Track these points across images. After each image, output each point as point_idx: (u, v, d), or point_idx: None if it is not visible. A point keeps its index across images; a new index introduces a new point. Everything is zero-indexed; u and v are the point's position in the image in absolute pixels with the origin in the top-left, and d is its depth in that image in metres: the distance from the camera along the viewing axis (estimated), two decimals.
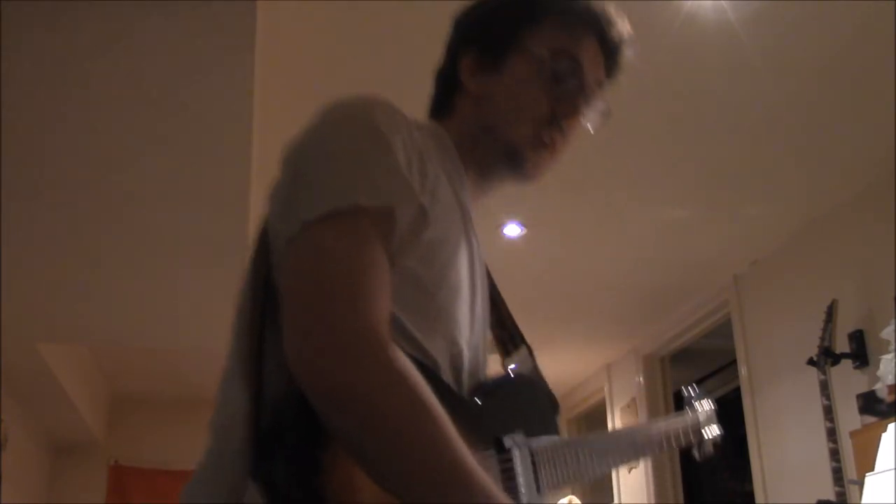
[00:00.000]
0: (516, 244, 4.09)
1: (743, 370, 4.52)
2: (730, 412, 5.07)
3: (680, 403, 1.56)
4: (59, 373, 5.19)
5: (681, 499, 5.51)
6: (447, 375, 0.96)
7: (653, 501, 5.49)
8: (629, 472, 5.96)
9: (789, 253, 4.13)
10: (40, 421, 6.05)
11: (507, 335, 1.20)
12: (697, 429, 1.49)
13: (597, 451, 1.18)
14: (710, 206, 3.83)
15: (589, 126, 1.15)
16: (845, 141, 3.26)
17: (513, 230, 3.98)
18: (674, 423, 1.44)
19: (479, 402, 0.99)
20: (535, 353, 1.20)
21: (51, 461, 6.45)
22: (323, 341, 0.78)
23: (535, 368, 1.18)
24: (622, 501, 6.04)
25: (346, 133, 0.93)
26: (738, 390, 4.66)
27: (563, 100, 1.10)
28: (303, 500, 0.77)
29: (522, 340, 1.21)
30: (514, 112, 1.09)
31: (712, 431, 1.52)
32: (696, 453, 1.49)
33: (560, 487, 1.08)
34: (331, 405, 0.77)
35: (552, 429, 1.11)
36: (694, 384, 1.60)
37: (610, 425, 6.09)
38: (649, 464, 5.58)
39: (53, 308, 4.52)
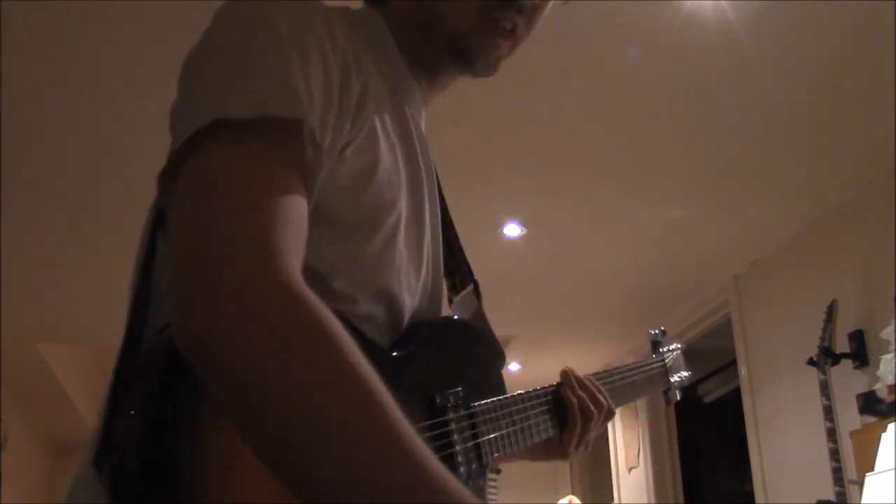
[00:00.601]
0: (516, 244, 4.09)
1: (743, 370, 4.52)
2: (730, 412, 5.08)
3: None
4: (59, 373, 5.19)
5: (681, 499, 5.51)
6: (384, 333, 0.79)
7: (653, 501, 5.49)
8: (629, 472, 5.96)
9: (789, 253, 4.13)
10: (40, 421, 6.05)
11: (456, 270, 1.00)
12: (665, 375, 1.37)
13: (552, 408, 1.01)
14: (710, 206, 3.83)
15: None
16: (845, 141, 3.26)
17: (513, 230, 3.98)
18: (641, 371, 1.29)
19: (407, 353, 0.78)
20: (482, 296, 1.02)
21: (51, 461, 6.45)
22: (212, 301, 0.56)
23: (480, 311, 0.99)
24: (622, 501, 6.04)
25: (232, 34, 0.72)
26: (738, 390, 4.66)
27: None
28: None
29: (471, 278, 1.01)
30: None
31: (681, 376, 1.41)
32: (662, 400, 1.39)
33: (508, 457, 0.90)
34: (235, 389, 0.55)
35: (496, 384, 0.92)
36: (662, 327, 1.49)
37: (610, 426, 6.09)
38: (649, 464, 5.58)
39: (53, 308, 4.53)
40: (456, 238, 1.02)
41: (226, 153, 0.64)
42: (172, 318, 0.59)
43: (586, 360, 6.05)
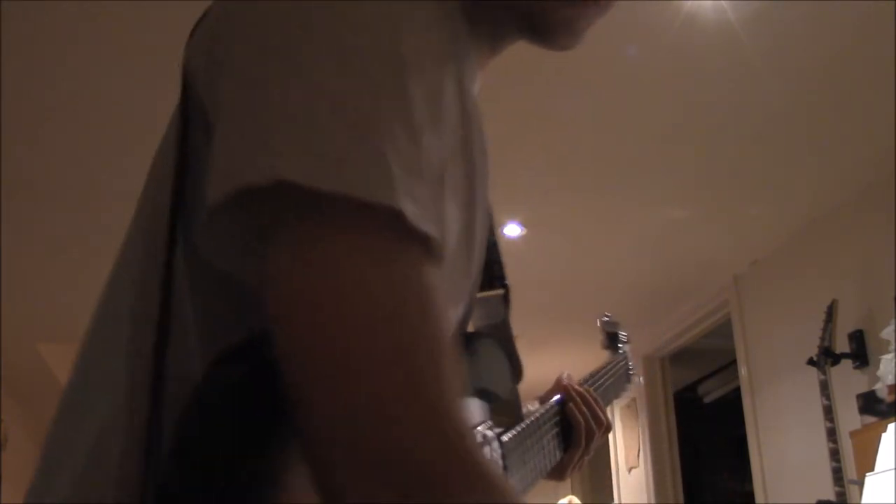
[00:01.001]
0: (516, 244, 4.09)
1: (743, 370, 4.52)
2: (730, 412, 5.08)
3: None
4: (59, 373, 5.19)
5: (681, 499, 5.51)
6: None
7: (653, 501, 5.49)
8: (629, 471, 5.96)
9: (789, 253, 4.13)
10: (40, 421, 6.04)
11: (485, 267, 0.88)
12: (628, 371, 1.33)
13: (559, 430, 0.98)
14: (710, 206, 3.83)
15: None
16: (845, 141, 3.26)
17: (513, 230, 3.98)
18: (614, 372, 1.24)
19: None
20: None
21: None
22: (391, 462, 0.45)
23: (506, 320, 0.92)
24: (622, 501, 6.04)
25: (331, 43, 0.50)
26: (738, 390, 4.66)
27: None
28: None
29: (501, 281, 0.92)
30: None
31: (632, 367, 1.37)
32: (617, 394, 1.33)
33: (528, 490, 0.87)
34: None
35: (515, 405, 0.86)
36: (608, 313, 1.39)
37: None
38: (649, 464, 5.58)
39: (53, 308, 4.53)
40: (492, 230, 0.85)
41: (341, 241, 0.48)
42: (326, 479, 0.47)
43: (586, 360, 6.03)
